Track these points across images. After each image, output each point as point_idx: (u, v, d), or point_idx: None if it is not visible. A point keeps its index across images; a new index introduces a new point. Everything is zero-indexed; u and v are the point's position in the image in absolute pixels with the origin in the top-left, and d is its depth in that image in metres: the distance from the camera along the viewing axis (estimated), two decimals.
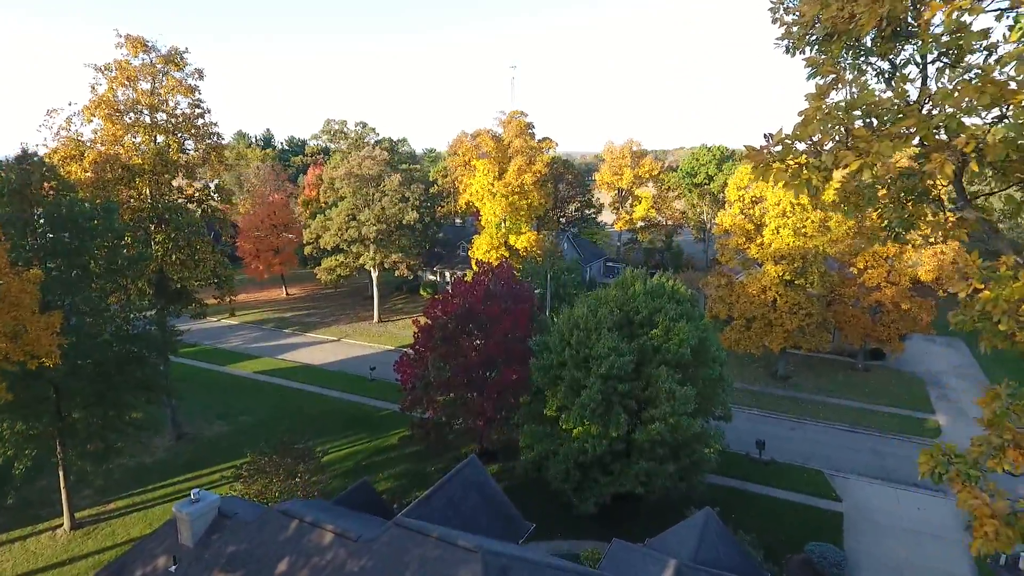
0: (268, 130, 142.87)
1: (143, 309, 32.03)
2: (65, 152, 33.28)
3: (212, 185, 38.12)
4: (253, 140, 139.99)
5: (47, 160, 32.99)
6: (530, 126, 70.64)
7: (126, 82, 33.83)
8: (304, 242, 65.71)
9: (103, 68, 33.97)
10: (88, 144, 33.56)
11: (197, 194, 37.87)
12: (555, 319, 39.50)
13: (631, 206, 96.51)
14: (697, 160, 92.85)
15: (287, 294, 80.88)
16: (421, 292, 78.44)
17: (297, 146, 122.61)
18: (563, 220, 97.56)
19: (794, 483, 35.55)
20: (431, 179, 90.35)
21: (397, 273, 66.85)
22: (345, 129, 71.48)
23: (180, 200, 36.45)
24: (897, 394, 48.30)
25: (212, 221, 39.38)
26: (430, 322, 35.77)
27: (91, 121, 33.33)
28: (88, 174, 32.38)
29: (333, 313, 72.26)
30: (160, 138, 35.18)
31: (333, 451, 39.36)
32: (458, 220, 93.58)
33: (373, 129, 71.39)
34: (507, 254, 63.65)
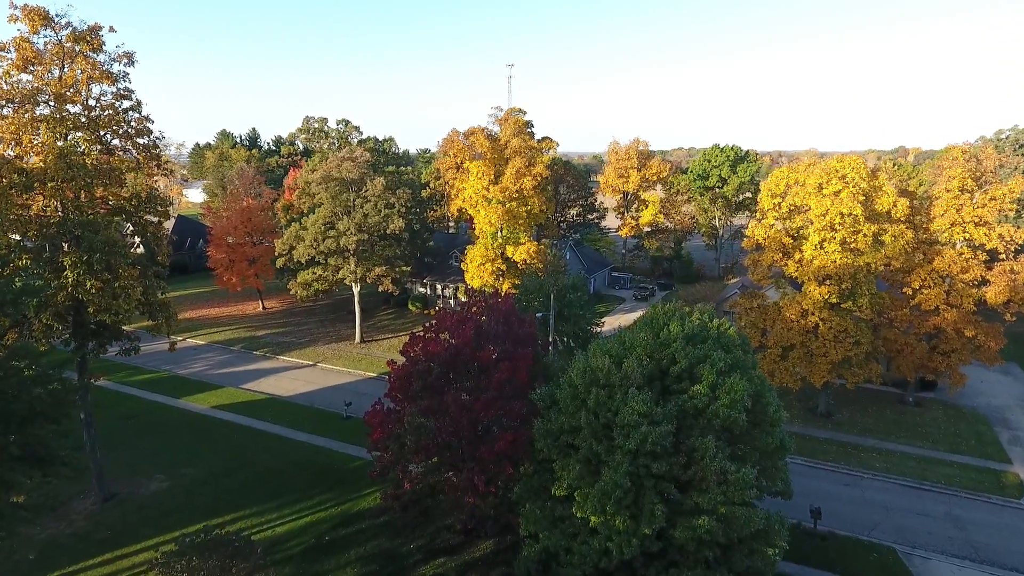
0: (254, 129, 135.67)
1: (33, 355, 24.79)
2: None
3: (143, 195, 30.76)
4: (238, 140, 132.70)
5: None
6: (529, 124, 63.64)
7: (23, 65, 26.59)
8: (276, 254, 58.29)
9: (0, 48, 26.74)
10: None
11: (125, 205, 30.59)
12: (562, 362, 32.51)
13: (637, 210, 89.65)
14: (709, 161, 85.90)
15: (263, 308, 73.62)
16: (410, 306, 71.29)
17: (290, 145, 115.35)
18: (564, 226, 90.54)
19: (863, 567, 28.51)
20: (424, 181, 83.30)
21: (381, 288, 59.63)
22: (326, 128, 64.17)
23: (99, 213, 29.15)
24: (960, 436, 41.30)
25: (142, 237, 32.08)
26: (408, 364, 28.66)
27: None
28: None
29: (311, 331, 64.99)
30: (70, 136, 27.90)
31: (290, 519, 32.20)
32: (451, 226, 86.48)
33: (356, 128, 64.23)
34: (504, 267, 56.57)
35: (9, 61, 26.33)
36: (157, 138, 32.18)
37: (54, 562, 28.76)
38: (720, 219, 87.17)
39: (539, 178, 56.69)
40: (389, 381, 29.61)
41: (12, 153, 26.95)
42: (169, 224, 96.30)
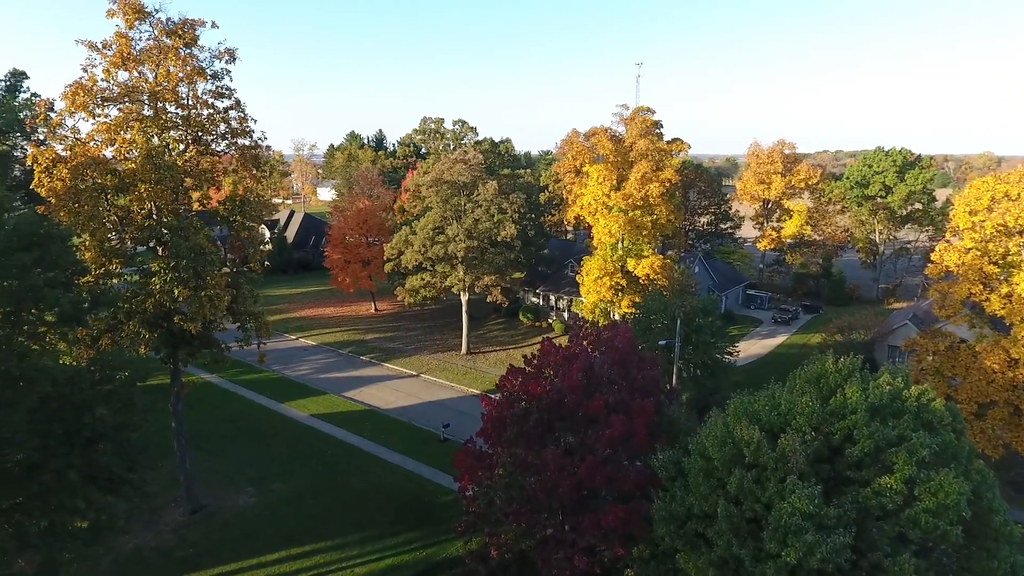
0: (380, 130, 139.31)
1: (113, 366, 23.25)
2: (51, 155, 25.31)
3: (238, 199, 28.97)
4: (366, 141, 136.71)
5: (30, 164, 25.37)
6: (658, 125, 57.33)
7: (121, 62, 25.36)
8: (384, 258, 56.66)
9: (101, 46, 25.75)
10: (71, 143, 25.46)
11: (219, 209, 28.98)
12: (690, 392, 26.71)
13: (779, 220, 79.79)
14: (870, 167, 74.31)
15: (375, 310, 73.20)
16: (521, 317, 67.46)
17: (406, 147, 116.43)
18: (693, 236, 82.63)
19: None
20: (542, 184, 79.32)
21: (489, 299, 56.15)
22: (441, 128, 61.77)
23: (191, 217, 27.63)
24: None
25: (236, 243, 30.37)
26: (503, 404, 24.34)
27: (73, 115, 25.20)
28: (59, 183, 24.14)
29: (419, 338, 63.05)
30: (163, 136, 26.43)
31: (371, 559, 29.12)
32: (568, 233, 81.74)
33: (472, 128, 61.20)
34: (623, 282, 50.90)
35: (108, 58, 25.13)
36: (260, 139, 30.38)
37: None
38: (881, 233, 75.19)
39: (667, 184, 50.41)
40: (483, 419, 25.52)
41: (109, 154, 25.85)
42: (297, 221, 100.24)
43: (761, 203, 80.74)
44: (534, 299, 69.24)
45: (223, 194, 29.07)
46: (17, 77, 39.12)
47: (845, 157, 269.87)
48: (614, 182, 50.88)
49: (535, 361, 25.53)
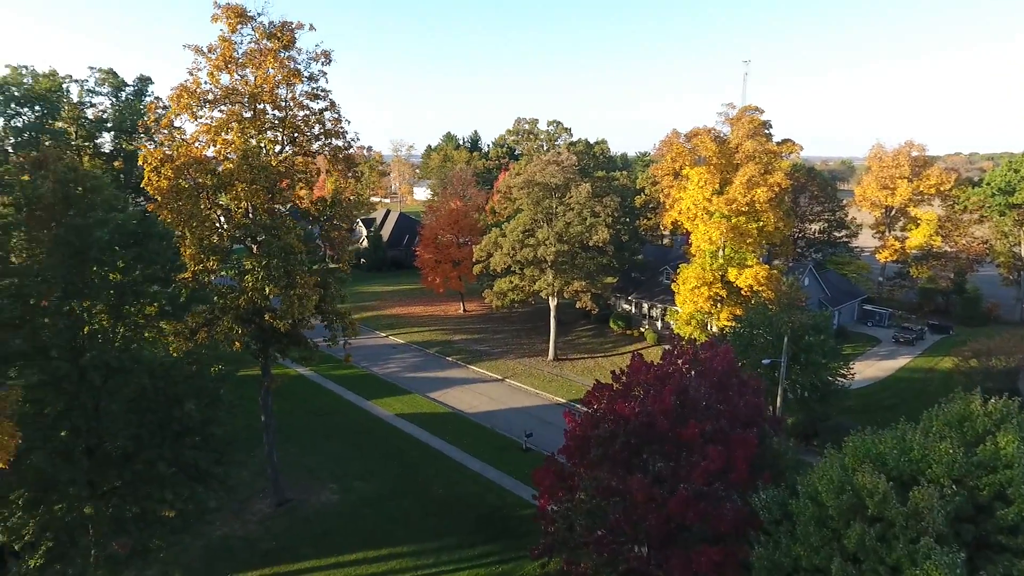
0: (476, 131, 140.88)
1: (207, 361, 23.90)
2: (160, 155, 26.50)
3: (329, 199, 29.24)
4: (461, 142, 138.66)
5: (141, 163, 26.71)
6: (766, 125, 53.28)
7: (224, 65, 26.12)
8: (473, 260, 56.35)
9: (207, 50, 26.67)
10: (177, 144, 26.53)
11: (311, 209, 29.37)
12: (796, 417, 23.99)
13: (903, 230, 72.49)
14: (1017, 171, 65.75)
15: (464, 310, 73.41)
16: (611, 324, 65.20)
17: (499, 148, 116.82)
18: (802, 244, 76.82)
19: None
20: (638, 187, 76.60)
21: (578, 304, 54.45)
22: (535, 129, 60.79)
23: (282, 216, 28.12)
24: None
25: (327, 243, 30.73)
26: (588, 422, 22.78)
27: (178, 116, 26.24)
28: (164, 182, 25.16)
29: (505, 341, 62.38)
30: (256, 136, 27.04)
31: (446, 569, 28.43)
32: (665, 239, 78.40)
33: (567, 129, 59.77)
34: (723, 293, 47.65)
35: (212, 61, 25.93)
36: (353, 140, 30.54)
37: (221, 565, 28.36)
38: None
39: (776, 188, 46.61)
40: (565, 436, 24.10)
41: (210, 154, 26.70)
42: (392, 220, 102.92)
43: (883, 210, 73.72)
44: (626, 306, 66.76)
45: (316, 195, 29.39)
46: (143, 82, 42.16)
47: (981, 160, 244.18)
48: (716, 186, 47.73)
49: (624, 378, 23.78)
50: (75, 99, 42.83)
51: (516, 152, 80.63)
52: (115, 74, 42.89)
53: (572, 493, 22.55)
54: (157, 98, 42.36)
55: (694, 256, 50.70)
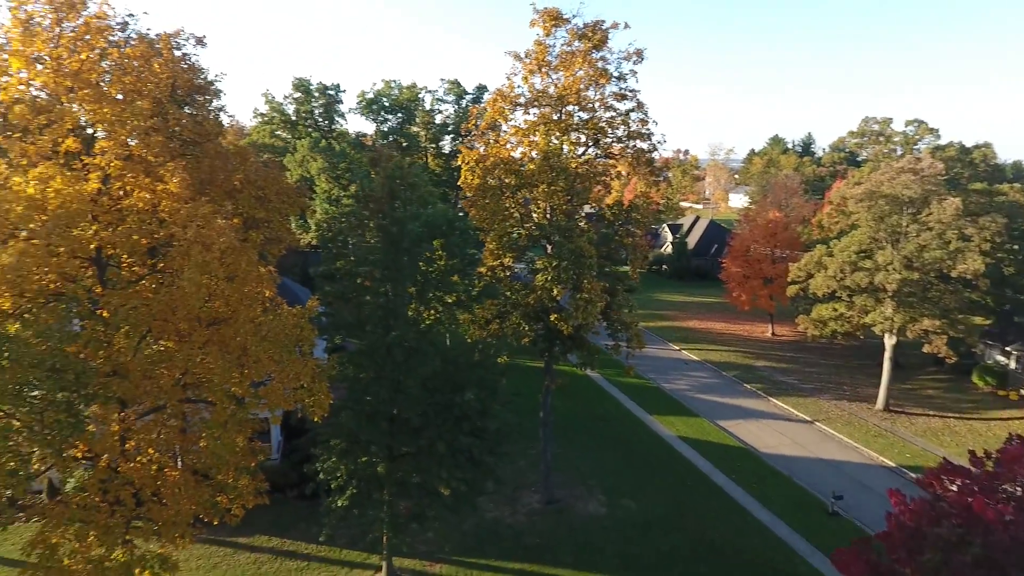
0: (809, 134, 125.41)
1: (494, 352, 24.77)
2: (475, 155, 28.50)
3: (626, 203, 27.92)
4: (790, 146, 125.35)
5: (459, 164, 29.17)
6: None
7: (537, 68, 26.67)
8: (789, 279, 49.34)
9: (524, 55, 27.66)
10: (491, 145, 28.10)
11: (606, 212, 28.42)
12: None
13: None
14: None
15: (772, 334, 65.65)
16: (975, 379, 50.88)
17: (838, 152, 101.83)
18: None
19: None
20: None
21: (927, 348, 43.39)
22: (887, 130, 50.56)
23: (576, 218, 27.69)
24: None
25: (620, 248, 29.36)
26: (924, 512, 16.99)
27: (493, 119, 27.67)
28: (476, 180, 26.82)
29: (820, 377, 53.60)
30: (559, 138, 26.96)
31: None
32: None
33: (933, 130, 48.27)
34: None
35: (526, 65, 26.68)
36: (658, 142, 28.68)
37: (490, 547, 29.46)
38: None
39: None
40: (887, 520, 18.57)
41: (517, 155, 27.62)
42: (700, 227, 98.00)
43: None
44: (1001, 359, 51.30)
45: (613, 198, 28.33)
46: (480, 90, 47.18)
47: None
48: None
49: (990, 463, 17.18)
50: (427, 107, 50.41)
51: (858, 158, 68.75)
52: (458, 84, 48.96)
53: None
54: (478, 103, 46.81)
55: None
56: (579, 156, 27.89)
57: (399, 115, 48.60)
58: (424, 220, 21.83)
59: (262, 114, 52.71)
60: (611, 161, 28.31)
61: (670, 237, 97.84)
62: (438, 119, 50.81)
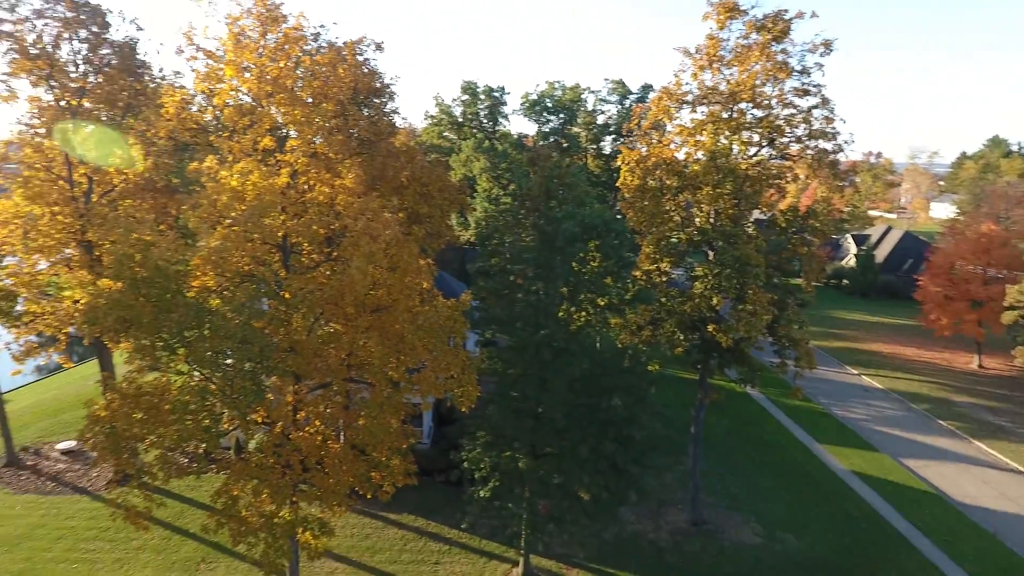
0: None
1: (642, 358, 23.88)
2: (636, 156, 27.62)
3: (802, 210, 25.34)
4: (1016, 148, 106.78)
5: (618, 164, 28.47)
6: None
7: (709, 63, 25.11)
8: (1006, 304, 41.88)
9: (694, 51, 26.23)
10: (654, 145, 27.00)
11: (778, 219, 26.00)
12: None
13: None
14: None
15: (979, 366, 56.27)
16: None
17: None
18: None
19: None
20: None
21: None
22: None
23: (743, 224, 25.64)
24: None
25: (790, 256, 26.71)
26: None
27: (657, 118, 26.50)
28: (636, 181, 25.90)
29: None
30: (728, 137, 25.09)
31: None
32: None
33: None
34: None
35: (697, 61, 25.26)
36: (845, 142, 25.74)
37: (624, 561, 28.53)
38: None
39: None
40: None
41: (680, 156, 26.29)
42: (892, 239, 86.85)
43: None
44: None
45: (786, 203, 25.91)
46: (646, 90, 45.83)
47: None
48: None
49: None
50: (589, 107, 50.11)
51: None
52: (623, 84, 47.97)
53: None
54: (643, 102, 45.36)
55: None
56: (750, 157, 25.85)
57: (561, 116, 48.98)
58: (579, 220, 21.53)
59: (431, 116, 56.11)
60: (787, 163, 25.89)
61: (854, 249, 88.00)
62: (600, 119, 50.38)
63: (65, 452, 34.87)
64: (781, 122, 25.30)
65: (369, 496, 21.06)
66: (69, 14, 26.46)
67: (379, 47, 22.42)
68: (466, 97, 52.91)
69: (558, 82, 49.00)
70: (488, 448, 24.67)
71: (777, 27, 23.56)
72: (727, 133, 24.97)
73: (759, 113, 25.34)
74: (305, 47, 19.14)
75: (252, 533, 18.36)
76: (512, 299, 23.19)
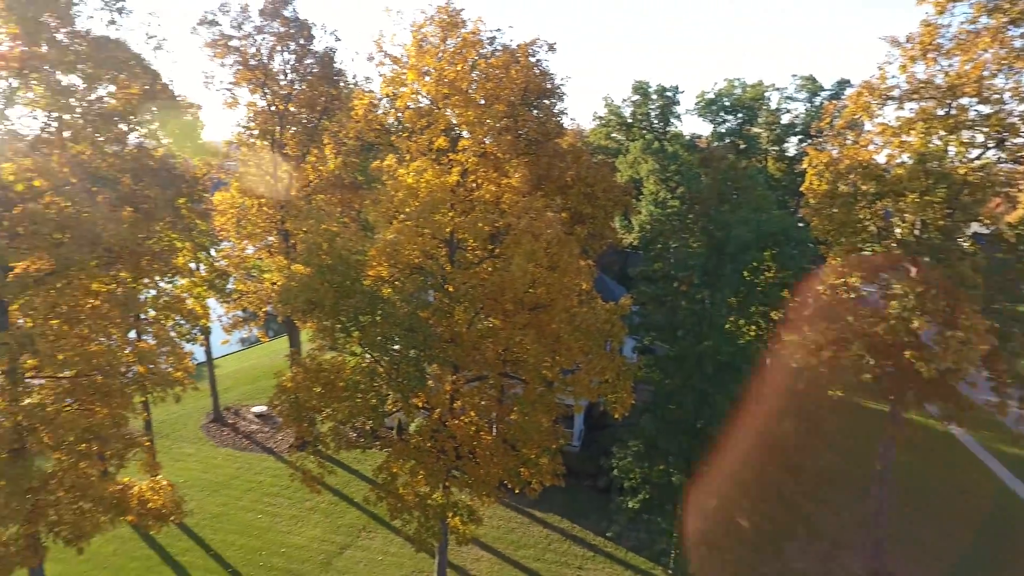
0: None
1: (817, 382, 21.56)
2: (826, 158, 24.92)
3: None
4: None
5: (805, 167, 25.89)
6: None
7: (921, 54, 21.81)
8: None
9: (905, 40, 22.96)
10: (848, 146, 24.10)
11: (1007, 232, 21.92)
12: None
13: None
14: None
15: None
16: None
17: None
18: None
19: None
20: None
21: None
22: None
23: (957, 238, 21.94)
24: None
25: (1019, 278, 22.37)
26: None
27: (854, 115, 23.54)
28: (824, 185, 23.28)
29: None
30: (942, 137, 21.55)
31: None
32: None
33: None
34: None
35: (907, 52, 22.07)
36: None
37: None
38: None
39: None
40: None
41: (881, 158, 23.21)
42: None
43: None
44: None
45: (1017, 215, 21.83)
46: (841, 85, 41.23)
47: None
48: None
49: None
50: (773, 106, 46.15)
51: None
52: (814, 80, 43.50)
53: None
54: (837, 99, 40.75)
55: None
56: (970, 160, 22.08)
57: (739, 115, 45.58)
58: (755, 226, 19.83)
59: (600, 117, 55.44)
60: (1021, 168, 21.74)
61: None
62: (784, 119, 46.16)
63: (258, 415, 39.78)
64: (1015, 120, 21.28)
65: (517, 491, 21.25)
66: (282, 29, 30.16)
67: (551, 48, 22.53)
68: (637, 97, 51.55)
69: (738, 79, 45.71)
70: (640, 459, 23.80)
71: (1016, 7, 19.76)
72: (942, 132, 21.51)
73: (986, 109, 21.50)
74: (481, 51, 19.75)
75: (407, 510, 19.41)
76: (675, 306, 22.08)
